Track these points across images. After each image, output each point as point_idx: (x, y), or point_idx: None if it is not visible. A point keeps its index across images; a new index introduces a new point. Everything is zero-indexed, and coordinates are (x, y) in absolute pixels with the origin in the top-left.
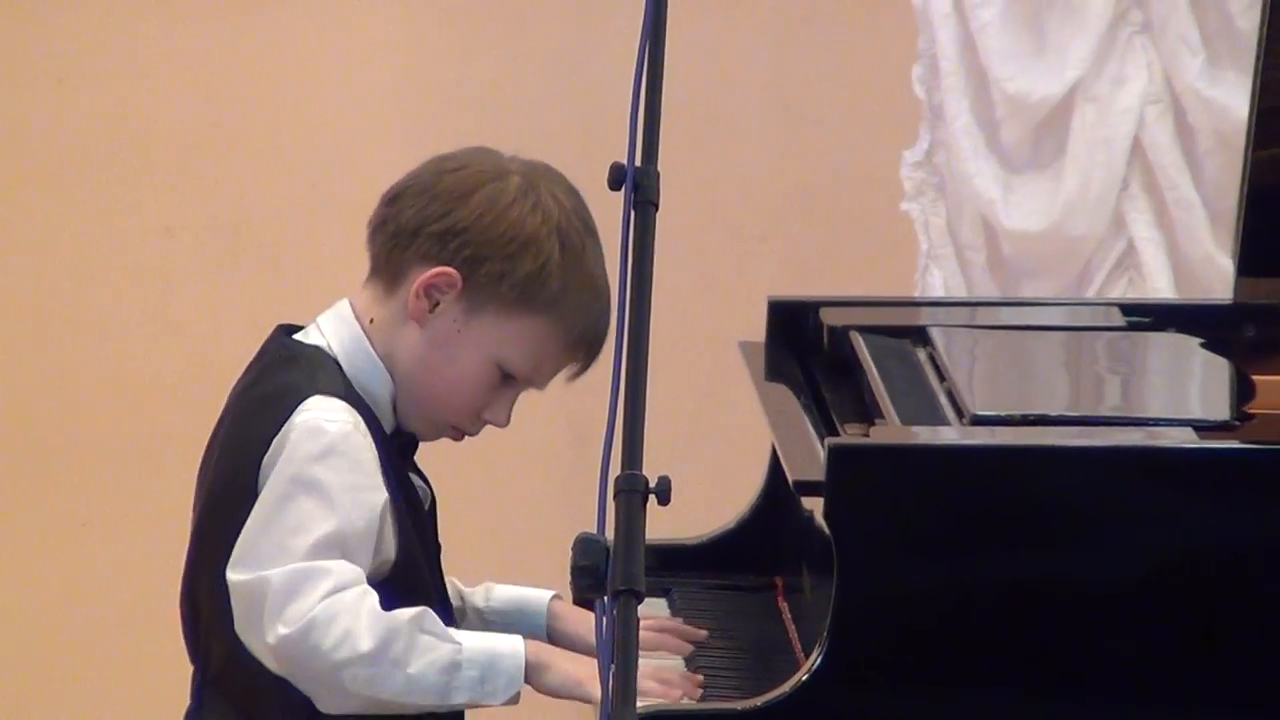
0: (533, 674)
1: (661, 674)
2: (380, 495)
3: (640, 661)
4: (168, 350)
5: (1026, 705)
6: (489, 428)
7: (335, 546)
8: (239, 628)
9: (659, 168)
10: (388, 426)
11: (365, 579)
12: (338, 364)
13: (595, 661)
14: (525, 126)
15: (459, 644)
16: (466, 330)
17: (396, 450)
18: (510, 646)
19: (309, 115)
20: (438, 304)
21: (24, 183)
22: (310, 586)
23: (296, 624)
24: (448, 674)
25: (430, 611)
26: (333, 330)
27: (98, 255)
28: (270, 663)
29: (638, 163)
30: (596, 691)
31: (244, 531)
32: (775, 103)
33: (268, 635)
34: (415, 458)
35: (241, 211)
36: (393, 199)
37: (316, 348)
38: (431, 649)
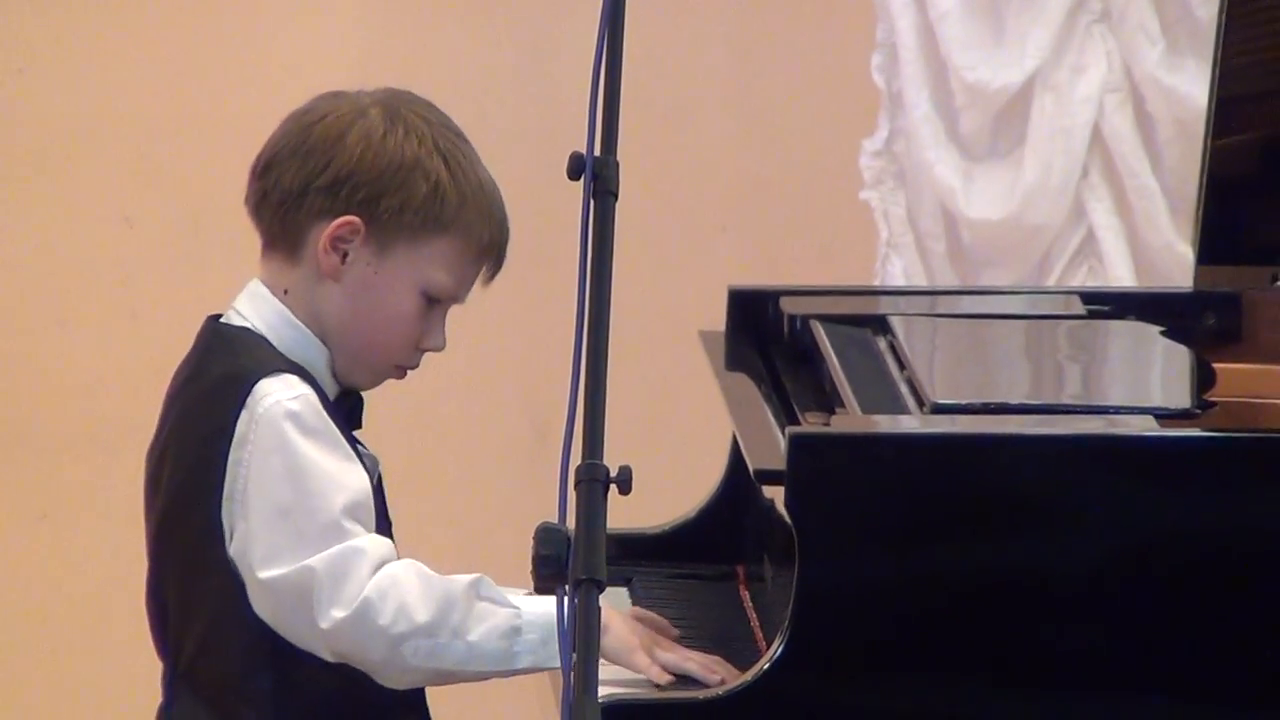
0: None
1: (700, 657)
2: (361, 466)
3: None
4: (127, 341)
5: (988, 693)
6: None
7: (354, 517)
8: (276, 621)
9: (618, 158)
10: (331, 393)
11: (395, 549)
12: (269, 343)
13: (648, 634)
14: (484, 117)
15: (518, 608)
16: (383, 270)
17: (344, 416)
18: None
19: (270, 105)
20: (346, 254)
21: None
22: (354, 566)
23: (352, 605)
24: (509, 639)
25: (486, 578)
26: (253, 310)
27: (57, 246)
28: (322, 648)
29: (597, 153)
30: (640, 662)
31: (253, 533)
32: (734, 92)
33: (321, 621)
34: (365, 438)
35: (202, 202)
36: (265, 169)
37: (245, 329)
38: (490, 615)
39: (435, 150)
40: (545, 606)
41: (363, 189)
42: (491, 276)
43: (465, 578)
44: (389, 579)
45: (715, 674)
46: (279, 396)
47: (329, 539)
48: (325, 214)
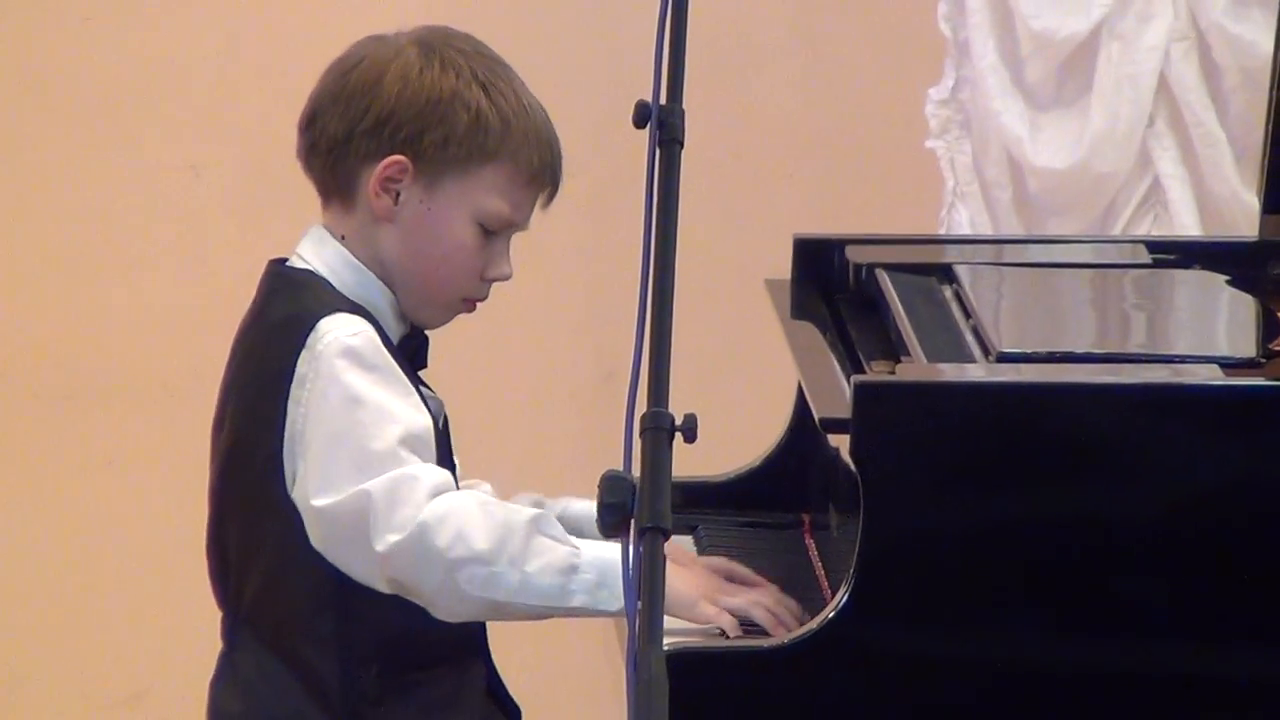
0: None
1: (771, 603)
2: (422, 403)
3: (752, 590)
4: (193, 289)
5: (1051, 641)
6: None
7: (411, 448)
8: (333, 552)
9: (684, 106)
10: (394, 336)
11: (453, 480)
12: (331, 285)
13: (710, 581)
14: (549, 65)
15: (577, 548)
16: (435, 205)
17: (408, 358)
18: None
19: (335, 53)
20: (398, 194)
21: (50, 122)
22: (409, 490)
23: (407, 528)
24: (565, 576)
25: (548, 515)
26: (314, 253)
27: (123, 194)
28: (378, 576)
29: (663, 101)
30: (707, 612)
31: (312, 462)
32: (801, 40)
33: (377, 544)
34: (432, 382)
35: (268, 150)
36: (310, 121)
37: (307, 271)
38: (549, 550)
39: (474, 80)
40: (604, 550)
41: (405, 127)
42: (549, 199)
43: (528, 511)
44: (446, 505)
45: (780, 624)
46: (338, 333)
47: (386, 465)
48: (372, 157)
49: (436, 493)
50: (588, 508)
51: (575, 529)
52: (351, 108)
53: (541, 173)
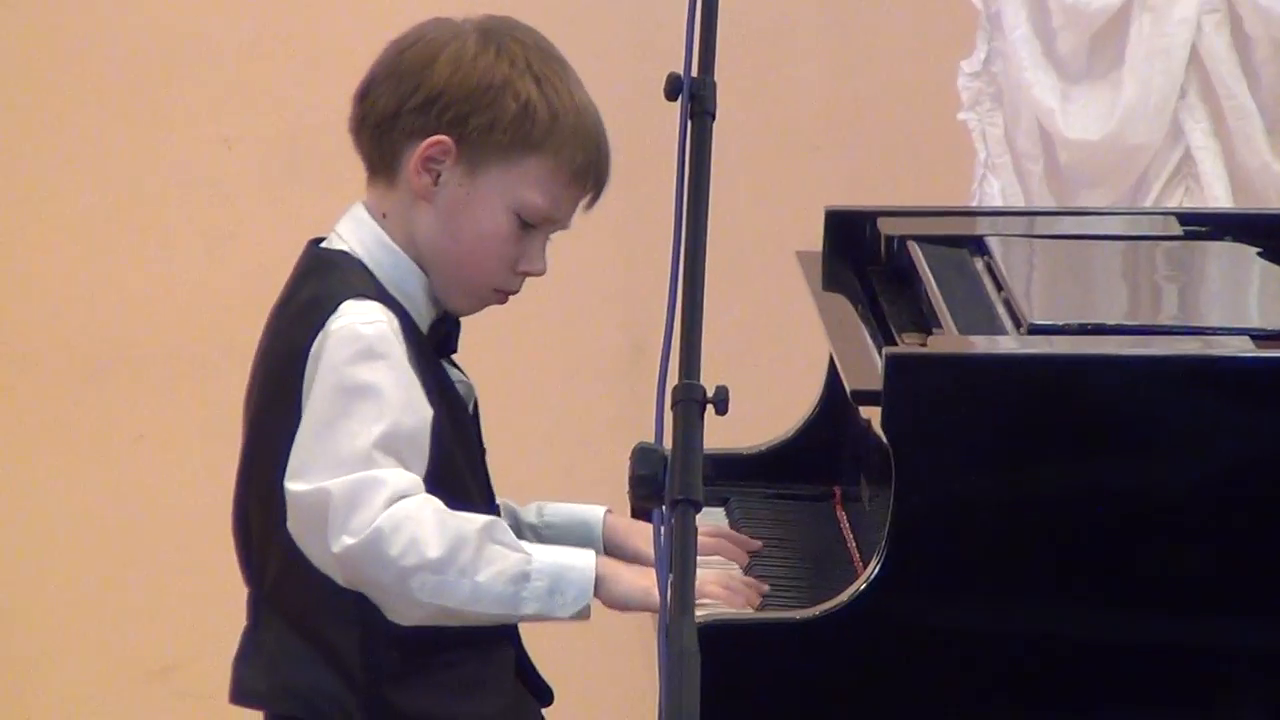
0: (601, 586)
1: (725, 579)
2: (423, 400)
3: (703, 569)
4: (224, 263)
5: (1080, 614)
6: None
7: (388, 449)
8: (298, 538)
9: (715, 78)
10: (424, 321)
11: (422, 485)
12: (364, 267)
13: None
14: (582, 37)
15: (529, 555)
16: (475, 190)
17: (436, 345)
18: (580, 559)
19: (368, 26)
20: (439, 175)
21: (81, 94)
22: (370, 495)
23: (362, 533)
24: (516, 584)
25: (501, 522)
26: (352, 233)
27: (155, 167)
28: (336, 574)
29: (694, 73)
30: (656, 600)
31: (296, 443)
32: (833, 12)
33: (333, 545)
34: (462, 359)
35: (300, 124)
36: (364, 94)
37: (343, 253)
38: (500, 558)
39: (527, 71)
40: (555, 556)
41: (451, 108)
42: (592, 202)
43: (480, 519)
44: (404, 512)
45: (736, 595)
46: (352, 319)
47: (356, 465)
48: (417, 135)
49: (396, 498)
50: (565, 508)
51: (558, 527)
52: (403, 84)
53: (585, 172)
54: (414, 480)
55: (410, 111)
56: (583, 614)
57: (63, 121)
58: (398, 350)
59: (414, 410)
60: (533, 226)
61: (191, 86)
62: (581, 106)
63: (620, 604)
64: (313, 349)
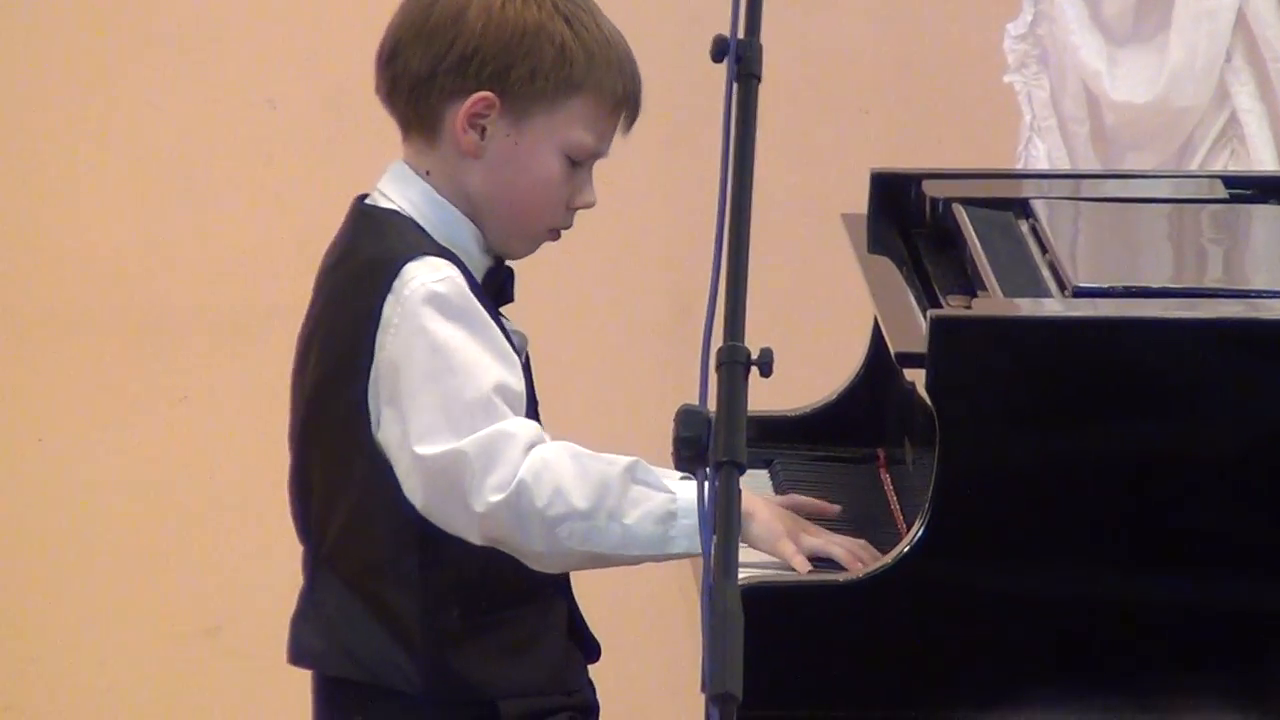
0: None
1: (848, 543)
2: (509, 347)
3: (828, 531)
4: (269, 223)
5: (1127, 578)
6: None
7: (505, 398)
8: (430, 501)
9: (761, 40)
10: (479, 272)
11: (543, 431)
12: (416, 224)
13: (792, 520)
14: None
15: (673, 493)
16: (522, 139)
17: (492, 295)
18: None
19: None
20: (484, 130)
21: (126, 56)
22: (505, 448)
23: (506, 489)
24: (664, 524)
25: (642, 461)
26: (398, 191)
27: (199, 128)
28: (474, 533)
29: (740, 35)
30: (787, 549)
31: (408, 411)
32: None
33: (475, 505)
34: (508, 316)
35: (343, 84)
36: (391, 56)
37: (393, 211)
38: (646, 499)
39: (556, 12)
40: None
41: (490, 63)
42: (630, 125)
43: (621, 460)
44: (542, 461)
45: (858, 561)
46: (424, 279)
47: (477, 419)
48: (457, 93)
49: (530, 447)
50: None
51: None
52: (434, 43)
53: (625, 100)
54: (537, 428)
55: (446, 71)
56: None
57: (108, 84)
58: (475, 301)
59: (509, 359)
60: (580, 163)
61: (236, 47)
62: (610, 36)
63: (751, 543)
64: (384, 315)
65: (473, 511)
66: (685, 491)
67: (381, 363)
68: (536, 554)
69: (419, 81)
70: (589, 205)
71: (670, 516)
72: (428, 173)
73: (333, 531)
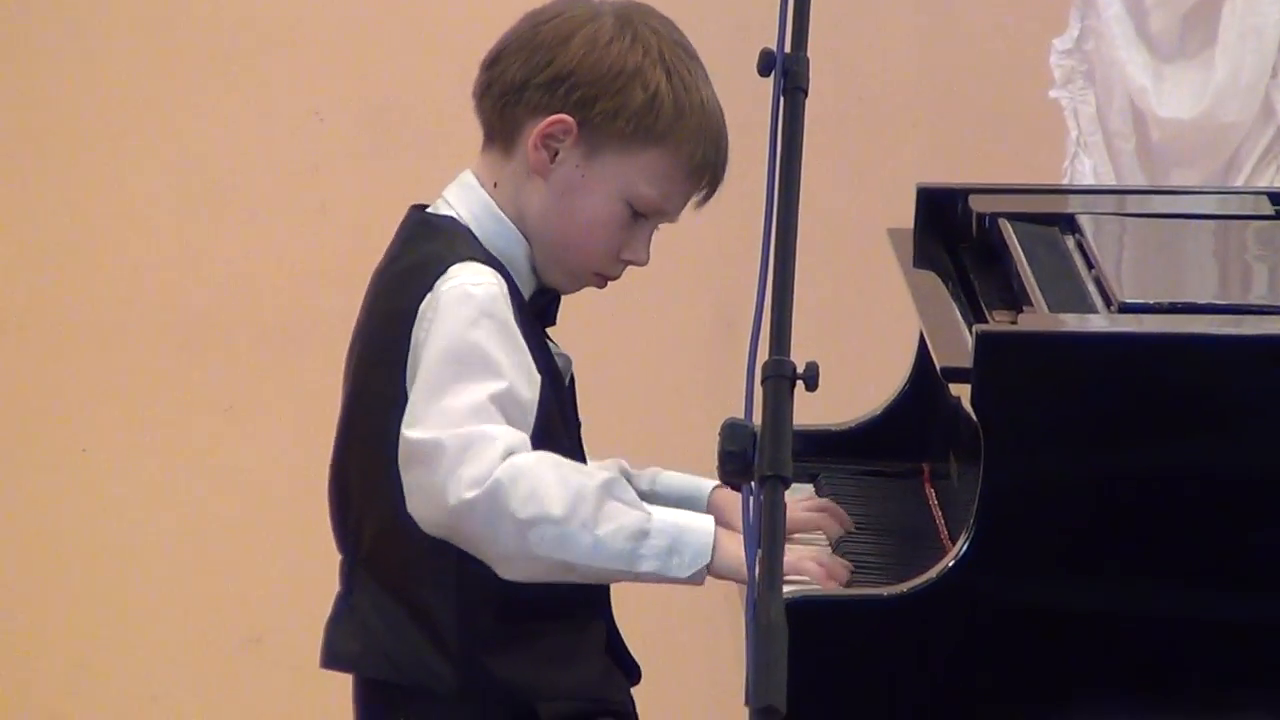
0: (714, 552)
1: (823, 558)
2: (532, 365)
3: (801, 545)
4: (316, 234)
5: (1171, 595)
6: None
7: (499, 408)
8: (408, 488)
9: (808, 54)
10: (526, 290)
11: (530, 444)
12: (471, 233)
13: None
14: (674, 12)
15: (648, 513)
16: (590, 173)
17: (536, 314)
18: (700, 522)
19: (461, 1)
20: (557, 153)
21: (173, 66)
22: (483, 448)
23: (480, 486)
24: (635, 541)
25: (620, 479)
26: (460, 200)
27: (247, 139)
28: (443, 527)
29: (787, 49)
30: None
31: (412, 397)
32: None
33: (449, 499)
34: (552, 333)
35: (390, 97)
36: (494, 61)
37: (450, 219)
38: (621, 514)
39: (659, 62)
40: (675, 517)
41: (579, 89)
42: (705, 200)
43: (599, 474)
44: (519, 466)
45: (831, 579)
46: (463, 280)
47: (467, 419)
48: (540, 110)
49: (510, 453)
50: (679, 478)
51: (665, 498)
52: (534, 58)
53: (702, 169)
54: (524, 438)
55: (537, 86)
56: (698, 577)
57: (157, 96)
58: (507, 313)
59: (524, 374)
60: (642, 216)
61: (283, 59)
62: (707, 103)
63: (724, 572)
64: (421, 309)
65: (444, 504)
66: (661, 514)
67: (414, 358)
68: (503, 557)
69: (510, 89)
70: (639, 263)
71: (643, 535)
72: (495, 185)
73: (369, 533)
